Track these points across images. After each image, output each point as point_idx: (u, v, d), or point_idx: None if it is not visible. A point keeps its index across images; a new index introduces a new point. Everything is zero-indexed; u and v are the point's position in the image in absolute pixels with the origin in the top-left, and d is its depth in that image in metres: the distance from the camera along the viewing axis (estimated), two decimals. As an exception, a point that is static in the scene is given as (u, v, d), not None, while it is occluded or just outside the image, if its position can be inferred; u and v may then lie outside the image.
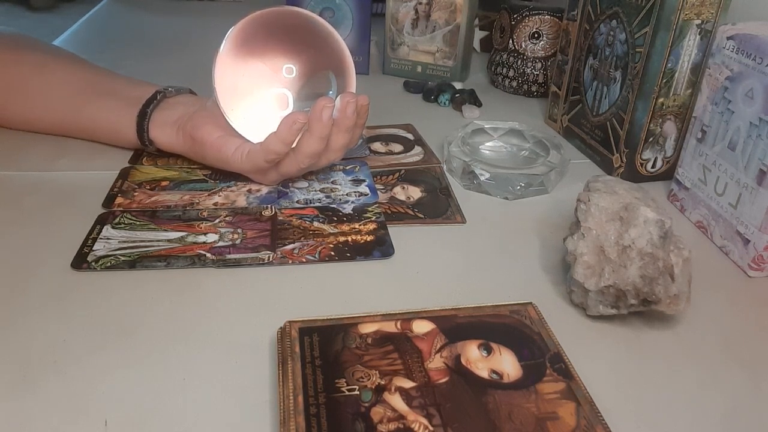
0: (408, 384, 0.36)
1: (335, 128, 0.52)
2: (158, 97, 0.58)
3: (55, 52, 0.66)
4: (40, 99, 0.62)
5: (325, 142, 0.52)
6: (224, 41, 0.52)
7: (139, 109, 0.58)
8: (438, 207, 0.56)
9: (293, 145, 0.52)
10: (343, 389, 0.35)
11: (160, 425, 0.34)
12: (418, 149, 0.66)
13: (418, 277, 0.47)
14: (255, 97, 0.54)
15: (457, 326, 0.40)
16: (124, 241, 0.48)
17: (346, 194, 0.56)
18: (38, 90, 0.61)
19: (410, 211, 0.55)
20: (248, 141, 0.53)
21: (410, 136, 0.69)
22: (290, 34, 0.53)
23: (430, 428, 0.33)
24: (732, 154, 0.50)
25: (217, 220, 0.52)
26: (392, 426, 0.33)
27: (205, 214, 0.52)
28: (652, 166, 0.61)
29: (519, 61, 0.83)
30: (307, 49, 0.54)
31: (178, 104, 0.59)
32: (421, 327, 0.40)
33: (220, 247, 0.48)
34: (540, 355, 0.38)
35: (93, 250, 0.47)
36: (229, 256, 0.47)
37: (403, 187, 0.59)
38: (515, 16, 0.81)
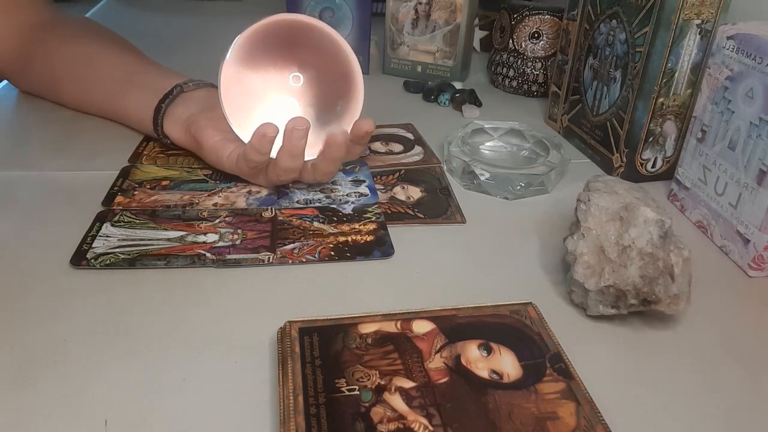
0: (408, 384, 0.36)
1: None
2: (174, 92, 0.59)
3: (108, 41, 0.69)
4: (88, 86, 0.66)
5: (299, 160, 0.51)
6: (231, 48, 0.51)
7: (155, 104, 0.58)
8: (438, 207, 0.56)
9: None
10: (343, 389, 0.35)
11: (160, 425, 0.34)
12: (418, 149, 0.66)
13: (418, 277, 0.47)
14: (261, 105, 0.54)
15: (457, 326, 0.40)
16: (124, 239, 0.48)
17: (346, 195, 0.56)
18: (86, 78, 0.66)
19: (410, 211, 0.55)
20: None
21: (410, 136, 0.69)
22: (298, 43, 0.53)
23: (430, 428, 0.33)
24: (732, 153, 0.50)
25: (217, 221, 0.51)
26: (392, 426, 0.33)
27: (205, 214, 0.52)
28: (652, 166, 0.61)
29: (519, 61, 0.83)
30: (315, 57, 0.54)
31: (191, 101, 0.59)
32: (421, 327, 0.40)
33: (219, 247, 0.48)
34: (540, 355, 0.38)
35: (92, 248, 0.47)
36: (228, 257, 0.47)
37: (403, 187, 0.59)
38: (515, 15, 0.81)
